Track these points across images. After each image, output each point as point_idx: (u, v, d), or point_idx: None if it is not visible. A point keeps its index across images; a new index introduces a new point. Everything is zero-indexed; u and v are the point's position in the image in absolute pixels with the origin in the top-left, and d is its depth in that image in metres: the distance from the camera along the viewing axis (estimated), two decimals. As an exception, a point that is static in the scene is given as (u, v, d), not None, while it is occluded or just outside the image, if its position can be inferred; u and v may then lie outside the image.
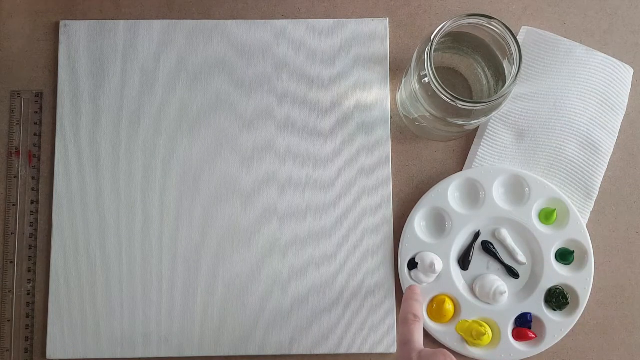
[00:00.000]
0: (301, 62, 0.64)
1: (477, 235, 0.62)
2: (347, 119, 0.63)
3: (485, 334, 0.59)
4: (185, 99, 0.63)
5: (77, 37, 0.64)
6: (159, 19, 0.65)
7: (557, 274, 0.60)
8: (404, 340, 0.54)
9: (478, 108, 0.54)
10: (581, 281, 0.60)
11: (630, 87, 0.64)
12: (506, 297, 0.60)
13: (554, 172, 0.63)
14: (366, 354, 0.61)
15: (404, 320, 0.55)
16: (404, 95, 0.61)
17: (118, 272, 0.61)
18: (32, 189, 0.63)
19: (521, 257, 0.61)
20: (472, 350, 0.60)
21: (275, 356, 0.61)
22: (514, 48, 0.54)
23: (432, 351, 0.51)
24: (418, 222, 0.62)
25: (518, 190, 0.62)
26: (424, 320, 0.60)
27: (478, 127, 0.64)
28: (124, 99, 0.63)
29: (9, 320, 0.61)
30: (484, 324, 0.59)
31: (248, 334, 0.61)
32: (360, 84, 0.64)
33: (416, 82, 0.56)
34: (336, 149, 0.63)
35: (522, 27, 0.64)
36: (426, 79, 0.54)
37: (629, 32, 0.65)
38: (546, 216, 0.61)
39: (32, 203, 0.62)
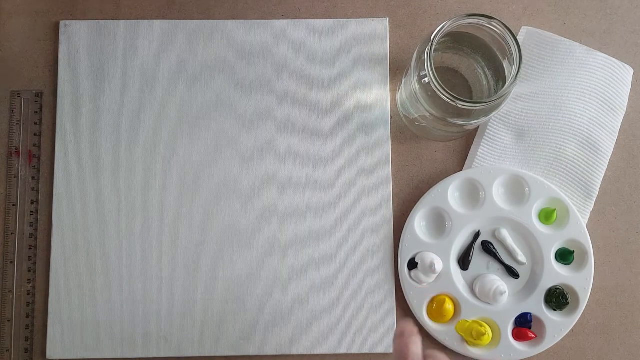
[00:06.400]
0: (301, 62, 0.64)
1: (477, 235, 0.62)
2: (347, 119, 0.63)
3: (485, 334, 0.59)
4: (185, 98, 0.63)
5: (77, 37, 0.64)
6: (159, 19, 0.65)
7: (557, 274, 0.61)
8: (400, 355, 0.48)
9: (478, 108, 0.54)
10: (581, 281, 0.60)
11: (630, 87, 0.64)
12: (506, 297, 0.60)
13: (554, 172, 0.63)
14: (366, 354, 0.61)
15: (400, 335, 0.49)
16: (404, 95, 0.60)
17: (118, 272, 0.61)
18: (32, 189, 0.63)
19: (521, 257, 0.61)
20: (472, 350, 0.60)
21: (275, 356, 0.61)
22: (514, 48, 0.54)
23: None
24: (418, 222, 0.62)
25: (518, 190, 0.62)
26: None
27: (478, 127, 0.64)
28: (124, 99, 0.63)
29: (9, 320, 0.61)
30: (484, 324, 0.59)
31: (248, 334, 0.61)
32: (360, 84, 0.64)
33: (416, 82, 0.56)
34: (336, 149, 0.63)
35: (522, 27, 0.64)
36: (426, 79, 0.54)
37: (629, 32, 0.65)
38: (546, 216, 0.61)
39: (32, 203, 0.62)
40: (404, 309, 0.61)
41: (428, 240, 0.61)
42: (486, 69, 0.59)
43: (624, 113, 0.63)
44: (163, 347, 0.61)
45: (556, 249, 0.61)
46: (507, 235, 0.61)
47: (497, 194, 0.62)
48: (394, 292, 0.61)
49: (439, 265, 0.60)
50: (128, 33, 0.64)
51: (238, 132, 0.63)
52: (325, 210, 0.62)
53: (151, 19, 0.65)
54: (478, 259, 0.62)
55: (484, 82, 0.59)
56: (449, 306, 0.60)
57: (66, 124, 0.63)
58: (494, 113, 0.56)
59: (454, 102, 0.53)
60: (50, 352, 0.60)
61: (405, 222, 0.62)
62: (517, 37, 0.57)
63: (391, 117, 0.64)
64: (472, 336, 0.59)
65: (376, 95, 0.64)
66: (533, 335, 0.60)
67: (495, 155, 0.63)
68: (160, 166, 0.63)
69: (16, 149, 0.63)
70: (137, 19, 0.64)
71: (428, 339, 0.61)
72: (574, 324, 0.60)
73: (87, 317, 0.61)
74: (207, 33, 0.64)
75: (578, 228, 0.61)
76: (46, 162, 0.63)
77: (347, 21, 0.64)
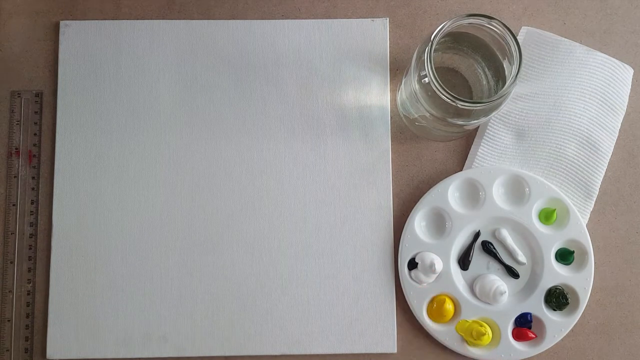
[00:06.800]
0: (301, 62, 0.64)
1: (477, 235, 0.62)
2: (347, 119, 0.63)
3: (485, 334, 0.59)
4: (185, 99, 0.63)
5: (77, 37, 0.64)
6: (159, 19, 0.65)
7: (557, 274, 0.61)
8: None
9: (478, 108, 0.54)
10: (581, 281, 0.60)
11: (630, 87, 0.64)
12: (506, 297, 0.60)
13: (554, 172, 0.63)
14: (366, 354, 0.61)
15: None
16: (404, 95, 0.61)
17: (118, 272, 0.61)
18: (32, 189, 0.63)
19: (521, 257, 0.61)
20: (472, 350, 0.60)
21: (275, 356, 0.61)
22: (514, 48, 0.54)
23: None
24: (418, 222, 0.62)
25: (518, 190, 0.62)
26: (424, 320, 0.60)
27: (478, 127, 0.64)
28: (124, 99, 0.63)
29: (9, 320, 0.61)
30: (484, 324, 0.59)
31: (248, 334, 0.61)
32: (360, 84, 0.64)
33: (416, 82, 0.56)
34: (336, 149, 0.63)
35: (522, 27, 0.64)
36: (426, 79, 0.54)
37: (629, 32, 0.65)
38: (546, 216, 0.61)
39: (32, 203, 0.62)
40: (404, 309, 0.62)
41: (428, 240, 0.61)
42: (486, 69, 0.59)
43: (624, 113, 0.63)
44: (163, 347, 0.61)
45: (556, 249, 0.61)
46: (507, 235, 0.61)
47: (497, 194, 0.62)
48: (394, 292, 0.61)
49: (439, 265, 0.60)
50: (128, 33, 0.64)
51: (238, 132, 0.63)
52: (325, 210, 0.62)
53: (151, 19, 0.65)
54: (478, 259, 0.62)
55: (484, 82, 0.59)
56: (449, 306, 0.60)
57: (66, 124, 0.63)
58: (494, 113, 0.56)
59: (454, 102, 0.53)
60: (50, 352, 0.60)
61: (405, 222, 0.62)
62: (517, 37, 0.57)
63: (391, 117, 0.64)
64: (472, 336, 0.59)
65: (376, 95, 0.64)
66: (533, 335, 0.60)
67: (495, 155, 0.63)
68: (160, 166, 0.63)
69: (16, 149, 0.63)
70: (137, 19, 0.64)
71: (428, 339, 0.61)
72: (574, 324, 0.60)
73: (87, 317, 0.61)
74: (207, 33, 0.64)
75: (578, 228, 0.61)
76: (46, 162, 0.63)
77: (347, 21, 0.64)
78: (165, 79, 0.64)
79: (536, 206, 0.61)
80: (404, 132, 0.64)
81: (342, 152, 0.63)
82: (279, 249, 0.62)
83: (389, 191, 0.63)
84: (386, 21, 0.65)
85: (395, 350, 0.61)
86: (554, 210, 0.61)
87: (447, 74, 0.61)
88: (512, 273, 0.61)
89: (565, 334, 0.60)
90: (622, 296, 0.63)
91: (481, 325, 0.59)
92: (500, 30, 0.54)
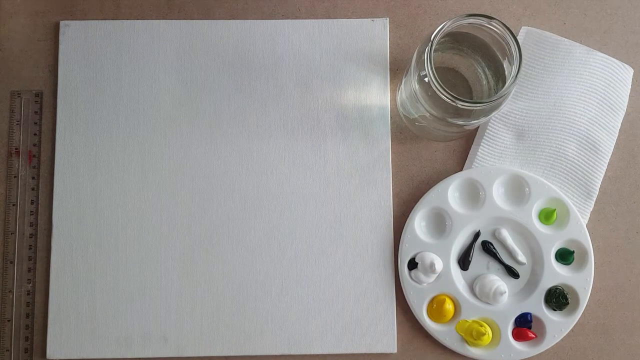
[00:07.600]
0: (301, 62, 0.64)
1: (477, 235, 0.62)
2: (347, 119, 0.63)
3: (485, 334, 0.59)
4: (185, 99, 0.63)
5: (77, 37, 0.64)
6: (159, 19, 0.65)
7: (557, 274, 0.61)
8: None
9: (478, 108, 0.54)
10: (581, 281, 0.60)
11: (630, 87, 0.64)
12: (506, 297, 0.60)
13: (554, 172, 0.63)
14: (366, 354, 0.61)
15: None
16: (404, 95, 0.61)
17: (118, 272, 0.61)
18: (32, 189, 0.63)
19: (521, 257, 0.61)
20: (472, 350, 0.60)
21: (275, 356, 0.61)
22: (514, 48, 0.54)
23: None
24: (418, 222, 0.62)
25: (518, 190, 0.62)
26: (424, 320, 0.60)
27: (478, 127, 0.64)
28: (124, 99, 0.63)
29: (9, 320, 0.61)
30: (484, 324, 0.59)
31: (248, 334, 0.61)
32: (360, 84, 0.64)
33: (416, 82, 0.56)
34: (336, 149, 0.63)
35: (522, 27, 0.64)
36: (426, 79, 0.54)
37: (629, 32, 0.65)
38: (546, 216, 0.61)
39: (32, 203, 0.62)
40: (404, 309, 0.62)
41: (428, 240, 0.61)
42: (486, 69, 0.59)
43: (624, 113, 0.63)
44: (163, 347, 0.61)
45: (556, 249, 0.61)
46: (507, 235, 0.61)
47: (497, 194, 0.62)
48: (394, 292, 0.61)
49: (439, 265, 0.60)
50: (128, 33, 0.64)
51: (238, 132, 0.63)
52: (325, 210, 0.62)
53: (151, 19, 0.65)
54: (478, 259, 0.62)
55: (484, 82, 0.59)
56: (449, 306, 0.60)
57: (66, 124, 0.63)
58: (494, 113, 0.56)
59: (454, 102, 0.53)
60: (50, 352, 0.60)
61: (405, 222, 0.62)
62: (517, 37, 0.57)
63: (391, 117, 0.64)
64: (472, 336, 0.59)
65: (376, 95, 0.64)
66: (533, 335, 0.60)
67: (495, 155, 0.63)
68: (160, 166, 0.63)
69: (16, 149, 0.63)
70: (137, 19, 0.64)
71: (428, 339, 0.61)
72: (574, 324, 0.60)
73: (87, 317, 0.61)
74: (207, 33, 0.64)
75: (578, 228, 0.61)
76: (46, 162, 0.63)
77: (347, 21, 0.64)
78: (165, 79, 0.64)
79: (536, 206, 0.61)
80: (404, 132, 0.64)
81: (342, 152, 0.63)
82: (279, 249, 0.62)
83: (389, 191, 0.63)
84: (386, 21, 0.65)
85: (395, 350, 0.61)
86: (554, 210, 0.61)
87: (447, 74, 0.61)
88: (512, 273, 0.61)
89: (565, 334, 0.60)
90: (622, 296, 0.63)
91: (481, 325, 0.59)
92: (500, 30, 0.54)
